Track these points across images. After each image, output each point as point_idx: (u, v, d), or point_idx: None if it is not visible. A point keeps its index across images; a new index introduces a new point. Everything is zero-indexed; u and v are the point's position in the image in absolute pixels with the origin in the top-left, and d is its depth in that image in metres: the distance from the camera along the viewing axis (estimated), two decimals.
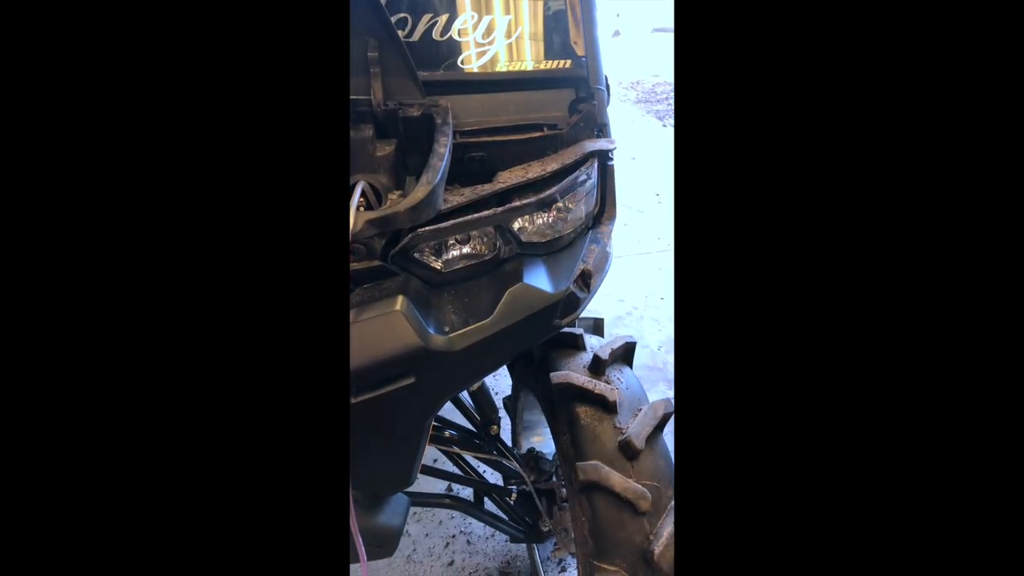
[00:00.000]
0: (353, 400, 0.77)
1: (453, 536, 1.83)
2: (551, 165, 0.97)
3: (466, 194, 0.92)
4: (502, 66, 1.04)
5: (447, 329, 0.83)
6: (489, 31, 1.04)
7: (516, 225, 0.95)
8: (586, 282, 0.96)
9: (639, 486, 0.94)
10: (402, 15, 0.99)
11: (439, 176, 0.83)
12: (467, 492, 1.88)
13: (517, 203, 0.91)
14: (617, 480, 0.94)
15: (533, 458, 1.41)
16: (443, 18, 1.02)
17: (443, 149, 0.87)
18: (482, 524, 1.73)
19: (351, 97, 0.92)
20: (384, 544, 1.01)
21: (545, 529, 1.40)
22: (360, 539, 0.82)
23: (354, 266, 0.78)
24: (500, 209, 0.88)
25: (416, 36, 1.01)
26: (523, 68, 1.05)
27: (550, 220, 0.97)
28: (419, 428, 0.87)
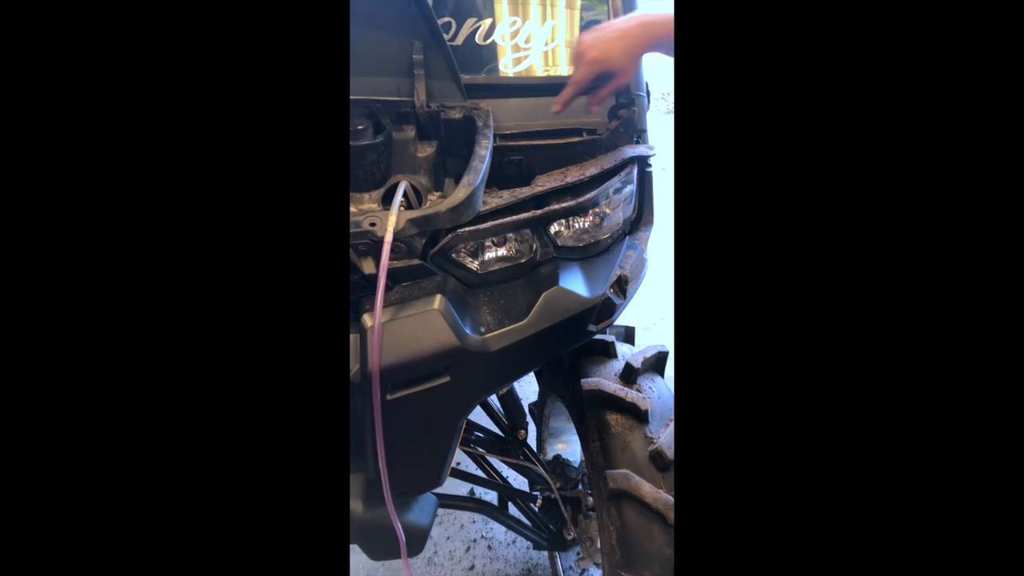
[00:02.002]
0: (389, 396, 0.78)
1: (474, 540, 1.82)
2: (590, 170, 0.97)
3: (504, 197, 0.93)
4: (542, 71, 1.05)
5: (483, 330, 0.83)
6: (529, 37, 1.05)
7: (553, 229, 0.95)
8: (622, 288, 0.95)
9: (670, 497, 0.92)
10: (446, 19, 1.01)
11: (480, 178, 0.83)
12: (490, 496, 1.87)
13: (555, 206, 0.91)
14: (648, 490, 0.92)
15: (559, 465, 1.40)
16: (486, 23, 1.03)
17: (484, 152, 0.87)
18: (504, 530, 1.72)
19: (396, 99, 0.93)
20: (411, 543, 1.01)
21: (569, 537, 1.39)
22: (402, 534, 0.83)
23: (394, 264, 0.79)
24: (538, 212, 0.88)
25: (459, 40, 1.02)
26: (563, 73, 1.05)
27: (587, 225, 0.97)
28: (452, 428, 0.87)
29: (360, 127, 0.88)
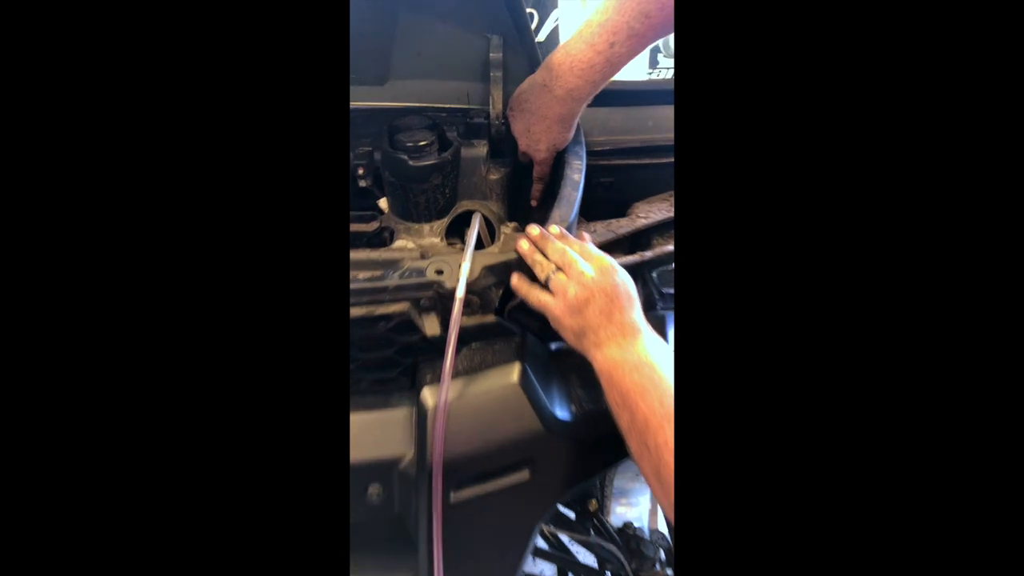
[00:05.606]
0: (452, 498, 0.60)
1: None
2: None
3: (599, 231, 0.74)
4: (643, 74, 0.86)
5: (573, 408, 0.64)
6: None
7: (655, 273, 0.75)
8: None
9: None
10: (528, 10, 0.83)
11: (574, 212, 0.65)
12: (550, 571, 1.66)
13: (663, 247, 0.72)
14: None
15: (633, 539, 1.19)
16: (574, 16, 0.85)
17: (578, 176, 0.69)
18: None
19: (466, 107, 0.76)
20: None
21: None
22: None
23: (465, 322, 0.60)
24: (648, 255, 0.69)
25: (542, 36, 0.85)
26: (668, 77, 0.86)
27: None
28: (526, 533, 0.68)
29: (422, 142, 0.71)
